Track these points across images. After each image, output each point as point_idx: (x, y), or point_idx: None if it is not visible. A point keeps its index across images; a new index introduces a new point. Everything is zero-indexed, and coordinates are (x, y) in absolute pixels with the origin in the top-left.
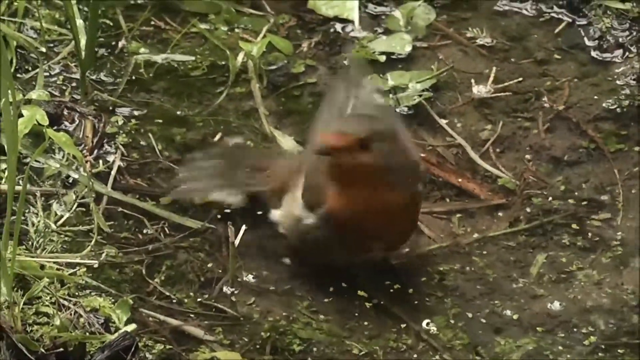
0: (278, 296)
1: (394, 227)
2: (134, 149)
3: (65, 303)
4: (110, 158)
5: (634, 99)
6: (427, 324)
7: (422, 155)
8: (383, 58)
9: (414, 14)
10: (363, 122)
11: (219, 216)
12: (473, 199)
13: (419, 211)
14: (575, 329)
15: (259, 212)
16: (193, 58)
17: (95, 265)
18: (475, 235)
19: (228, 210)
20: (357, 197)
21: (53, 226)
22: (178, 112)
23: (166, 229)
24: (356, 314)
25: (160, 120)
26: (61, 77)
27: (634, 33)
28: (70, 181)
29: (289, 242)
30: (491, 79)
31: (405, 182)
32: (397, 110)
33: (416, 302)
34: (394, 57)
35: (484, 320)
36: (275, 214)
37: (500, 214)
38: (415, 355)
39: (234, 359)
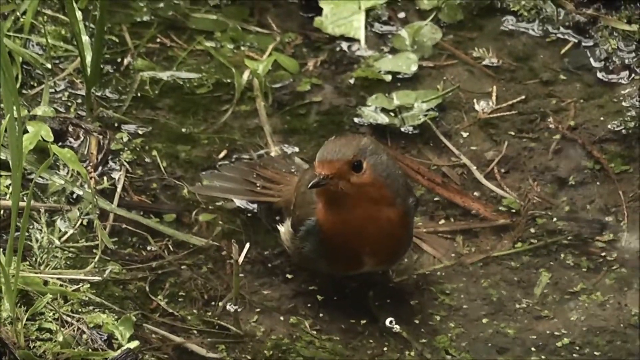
0: (281, 314)
1: (386, 241)
2: (138, 165)
3: (69, 319)
4: (115, 175)
5: None
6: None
7: (427, 175)
8: (389, 77)
9: (420, 33)
10: (347, 144)
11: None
12: (477, 219)
13: (412, 226)
14: (578, 350)
15: (263, 230)
16: (199, 76)
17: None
18: (480, 255)
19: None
20: (349, 213)
21: (57, 242)
22: (183, 130)
23: (170, 246)
24: (359, 333)
25: (165, 138)
26: (66, 94)
27: None
28: (75, 197)
29: (291, 259)
30: (496, 99)
31: (398, 194)
32: (403, 129)
33: (419, 321)
34: (399, 76)
35: (487, 341)
36: (280, 230)
37: (504, 234)
38: None
39: None
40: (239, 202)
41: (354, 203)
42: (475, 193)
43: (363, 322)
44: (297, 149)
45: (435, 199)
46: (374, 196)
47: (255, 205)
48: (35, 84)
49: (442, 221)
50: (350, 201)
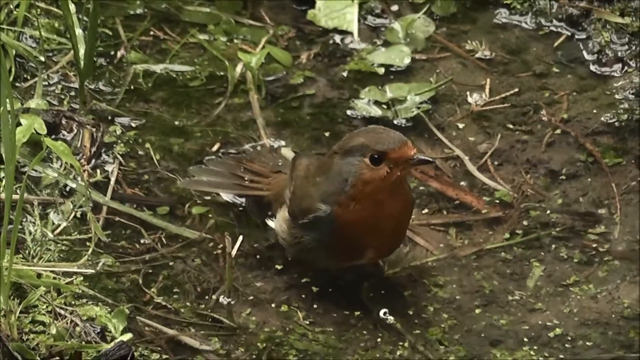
0: (275, 307)
1: (395, 234)
2: (131, 158)
3: (62, 312)
4: (108, 168)
5: (633, 113)
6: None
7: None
8: (382, 70)
9: (413, 26)
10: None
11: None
12: (470, 211)
13: None
14: (571, 342)
15: (256, 222)
16: (192, 68)
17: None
18: (473, 248)
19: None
20: (375, 205)
21: (50, 235)
22: (176, 122)
23: (163, 238)
24: (353, 325)
25: (159, 130)
26: (60, 87)
27: (633, 47)
28: (68, 190)
29: (285, 252)
30: (489, 91)
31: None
32: (396, 122)
33: (412, 314)
34: (392, 69)
35: (480, 332)
36: (272, 223)
37: (497, 226)
38: None
39: None
40: (226, 196)
41: (395, 192)
42: (468, 185)
43: (357, 314)
44: (290, 142)
45: (428, 191)
46: (406, 187)
47: (243, 200)
48: (29, 77)
49: (435, 213)
50: (392, 191)
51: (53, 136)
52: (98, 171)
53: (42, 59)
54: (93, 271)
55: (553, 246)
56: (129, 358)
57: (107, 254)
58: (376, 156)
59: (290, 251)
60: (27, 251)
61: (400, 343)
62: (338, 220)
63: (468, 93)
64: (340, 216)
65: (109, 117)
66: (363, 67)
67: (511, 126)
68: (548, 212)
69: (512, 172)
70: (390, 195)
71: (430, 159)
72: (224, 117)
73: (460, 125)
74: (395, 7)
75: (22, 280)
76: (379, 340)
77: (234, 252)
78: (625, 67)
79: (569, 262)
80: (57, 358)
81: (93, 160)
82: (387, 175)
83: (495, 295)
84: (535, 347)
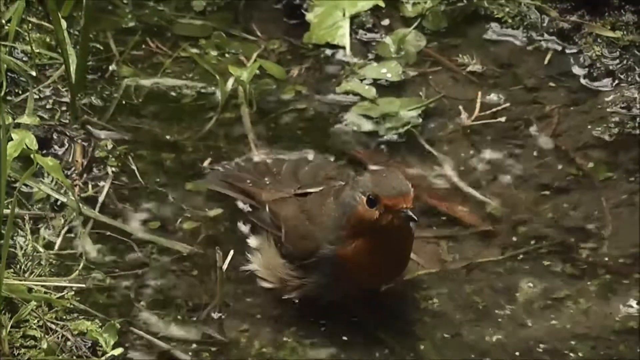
0: (266, 321)
1: (397, 265)
2: (123, 173)
3: (53, 326)
4: (100, 182)
5: (624, 127)
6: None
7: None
8: (373, 84)
9: (404, 40)
10: (399, 175)
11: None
12: (461, 225)
13: None
14: (562, 357)
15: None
16: (183, 83)
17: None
18: (464, 262)
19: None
20: (372, 244)
21: (41, 250)
22: (167, 137)
23: (155, 253)
24: (344, 340)
25: (150, 145)
26: (51, 101)
27: (624, 61)
28: (59, 205)
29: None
30: (480, 105)
31: None
32: (387, 137)
33: (403, 327)
34: (384, 83)
35: (471, 347)
36: (253, 264)
37: (488, 240)
38: None
39: None
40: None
41: (392, 233)
42: (459, 200)
43: (347, 328)
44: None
45: (419, 205)
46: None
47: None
48: (20, 92)
49: (426, 228)
50: (388, 232)
51: (44, 151)
52: (89, 186)
53: (34, 73)
54: (84, 286)
55: (544, 260)
56: None
57: (98, 269)
58: (372, 198)
59: (289, 294)
60: (18, 266)
61: (391, 357)
62: (340, 258)
63: (459, 107)
64: (342, 255)
65: (101, 132)
66: (354, 87)
67: (502, 140)
68: (539, 226)
69: (503, 187)
70: (386, 236)
71: (415, 219)
72: (215, 131)
73: (451, 140)
74: (386, 22)
75: (13, 294)
76: (369, 354)
77: (225, 266)
78: (616, 81)
79: (559, 276)
80: None
81: (84, 175)
82: (378, 219)
83: (486, 310)
84: None
